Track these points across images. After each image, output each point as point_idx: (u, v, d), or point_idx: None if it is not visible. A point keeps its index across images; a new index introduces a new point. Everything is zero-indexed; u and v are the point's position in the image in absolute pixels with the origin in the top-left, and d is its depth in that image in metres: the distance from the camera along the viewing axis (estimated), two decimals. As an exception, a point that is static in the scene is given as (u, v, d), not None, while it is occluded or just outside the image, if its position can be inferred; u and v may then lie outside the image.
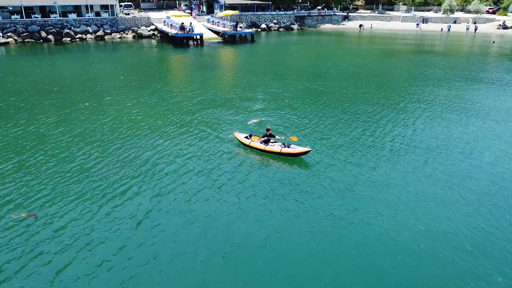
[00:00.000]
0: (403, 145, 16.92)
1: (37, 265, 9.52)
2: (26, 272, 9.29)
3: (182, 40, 47.44)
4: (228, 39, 51.28)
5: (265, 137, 15.87)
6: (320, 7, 75.79)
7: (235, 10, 58.99)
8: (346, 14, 75.27)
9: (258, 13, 66.32)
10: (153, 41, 51.93)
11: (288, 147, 15.54)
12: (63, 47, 45.60)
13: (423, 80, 29.94)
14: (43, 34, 49.72)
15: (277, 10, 69.11)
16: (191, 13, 61.53)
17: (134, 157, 15.41)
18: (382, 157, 15.71)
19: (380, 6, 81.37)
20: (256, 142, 15.88)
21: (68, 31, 50.95)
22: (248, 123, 19.45)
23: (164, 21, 53.89)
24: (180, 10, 67.77)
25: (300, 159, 15.26)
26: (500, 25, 66.05)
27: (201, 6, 69.30)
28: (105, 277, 9.20)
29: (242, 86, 27.39)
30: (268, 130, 15.88)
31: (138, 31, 54.83)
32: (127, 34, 54.45)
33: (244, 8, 64.43)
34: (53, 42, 49.27)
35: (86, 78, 29.40)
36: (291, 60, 40.56)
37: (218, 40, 51.52)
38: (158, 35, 55.23)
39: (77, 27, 52.27)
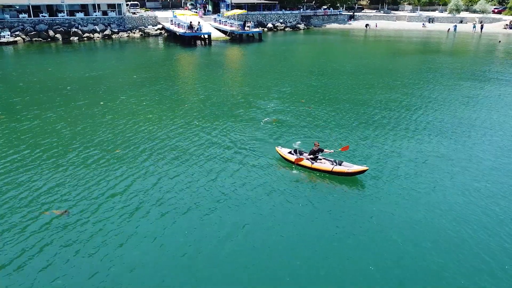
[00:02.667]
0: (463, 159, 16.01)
1: (73, 262, 9.52)
2: (62, 270, 9.29)
3: (190, 40, 47.42)
4: (236, 38, 51.26)
5: (313, 153, 14.21)
6: (326, 7, 75.68)
7: (243, 9, 58.92)
8: (352, 13, 75.16)
9: (264, 12, 66.28)
10: (160, 40, 51.96)
11: (340, 164, 13.77)
12: (71, 46, 45.65)
13: (437, 79, 29.88)
14: (51, 33, 49.77)
15: (283, 10, 69.04)
16: (197, 12, 61.50)
17: (160, 158, 15.42)
18: (446, 177, 13.87)
19: (385, 6, 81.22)
20: (302, 158, 14.19)
21: (76, 30, 50.96)
22: (262, 122, 19.42)
23: (171, 20, 53.91)
24: (186, 9, 67.73)
25: (354, 177, 13.59)
26: (507, 25, 65.86)
27: (207, 5, 69.24)
28: (142, 274, 9.20)
29: (256, 85, 27.37)
30: (316, 145, 14.24)
31: (145, 30, 54.89)
32: (134, 33, 54.48)
33: (250, 7, 64.37)
34: (61, 41, 49.29)
35: (97, 76, 29.44)
36: (300, 60, 40.52)
37: (226, 39, 51.52)
38: (165, 34, 55.29)
39: (85, 26, 52.30)
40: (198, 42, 49.02)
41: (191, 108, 21.85)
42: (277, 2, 68.23)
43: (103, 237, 10.42)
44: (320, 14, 72.34)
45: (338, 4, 76.72)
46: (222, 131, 18.21)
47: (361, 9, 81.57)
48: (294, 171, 14.21)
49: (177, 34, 49.61)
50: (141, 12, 61.11)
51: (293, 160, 14.26)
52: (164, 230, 10.78)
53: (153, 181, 13.42)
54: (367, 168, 13.35)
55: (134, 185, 13.12)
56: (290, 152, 14.82)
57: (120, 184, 13.18)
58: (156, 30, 55.61)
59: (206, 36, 48.55)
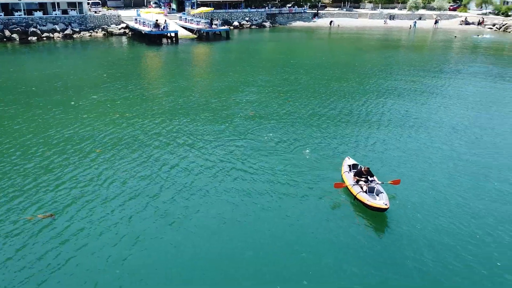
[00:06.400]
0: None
1: (59, 265, 9.09)
2: (48, 275, 8.85)
3: (157, 38, 46.49)
4: (203, 37, 50.78)
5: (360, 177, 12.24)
6: (290, 5, 76.41)
7: (209, 7, 58.42)
8: (316, 11, 76.29)
9: (230, 10, 66.05)
10: (125, 39, 50.60)
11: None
12: (30, 47, 43.61)
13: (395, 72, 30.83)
14: (7, 33, 47.24)
15: (249, 8, 69.08)
16: (163, 11, 60.41)
17: (143, 155, 15.01)
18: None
19: (347, 4, 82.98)
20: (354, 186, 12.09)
21: (34, 29, 48.67)
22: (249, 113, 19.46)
23: (136, 19, 52.62)
24: (150, 7, 66.36)
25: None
26: (462, 21, 68.93)
27: (171, 4, 68.15)
28: (126, 276, 8.91)
29: (228, 81, 27.22)
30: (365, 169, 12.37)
31: (108, 29, 53.26)
32: (97, 32, 52.72)
33: (216, 5, 63.93)
34: (18, 41, 46.94)
35: (64, 76, 28.29)
36: (269, 56, 40.68)
37: (193, 38, 50.95)
38: (130, 33, 53.91)
39: (44, 25, 50.08)
40: (165, 40, 48.18)
41: (166, 106, 21.44)
42: (242, 0, 68.16)
43: (89, 239, 10.05)
44: (285, 12, 72.93)
45: (302, 2, 77.66)
46: (200, 127, 18.00)
47: (324, 7, 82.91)
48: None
49: (143, 32, 48.50)
50: (103, 10, 59.25)
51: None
52: (147, 230, 10.53)
53: (135, 180, 13.06)
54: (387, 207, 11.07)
55: (117, 185, 12.72)
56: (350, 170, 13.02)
57: (104, 184, 12.75)
58: (120, 29, 54.07)
59: (173, 34, 47.77)
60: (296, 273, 9.06)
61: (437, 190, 12.54)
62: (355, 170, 12.72)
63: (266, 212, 11.35)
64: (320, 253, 9.70)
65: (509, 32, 60.53)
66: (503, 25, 62.82)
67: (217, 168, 13.87)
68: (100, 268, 9.02)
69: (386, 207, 10.93)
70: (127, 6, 69.91)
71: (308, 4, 79.01)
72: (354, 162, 13.50)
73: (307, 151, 15.41)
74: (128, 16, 56.08)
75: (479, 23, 67.07)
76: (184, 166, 14.03)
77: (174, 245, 9.89)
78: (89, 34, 51.70)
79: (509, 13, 67.62)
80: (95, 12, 56.47)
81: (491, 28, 64.05)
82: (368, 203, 11.20)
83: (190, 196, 12.09)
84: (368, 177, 12.18)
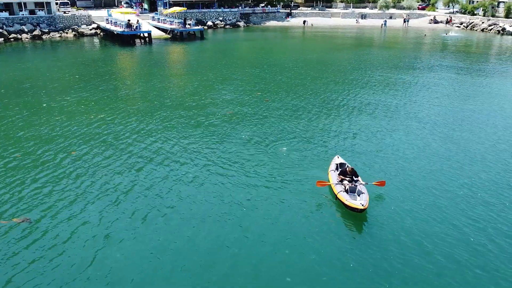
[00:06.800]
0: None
1: (36, 270, 8.80)
2: (25, 280, 8.56)
3: (130, 38, 45.74)
4: (177, 37, 50.30)
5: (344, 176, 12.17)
6: (263, 5, 76.68)
7: (182, 7, 57.90)
8: (289, 11, 76.84)
9: (203, 10, 65.71)
10: (96, 40, 49.53)
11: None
12: (-3, 48, 42.09)
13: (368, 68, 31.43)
14: (-29, 34, 45.53)
15: (222, 8, 68.89)
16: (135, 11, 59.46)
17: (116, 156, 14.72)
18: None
19: (320, 4, 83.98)
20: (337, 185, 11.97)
21: (1, 30, 47.03)
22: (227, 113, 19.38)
23: (107, 19, 51.60)
24: (121, 7, 65.21)
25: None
26: (431, 19, 70.90)
27: (143, 4, 67.22)
28: (103, 279, 8.73)
29: (204, 81, 27.04)
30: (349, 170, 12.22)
31: (79, 30, 52.01)
32: (67, 33, 51.38)
33: (189, 5, 63.45)
34: (-17, 43, 45.25)
35: (34, 78, 27.44)
36: (244, 55, 40.67)
37: (167, 38, 50.39)
38: (101, 33, 52.82)
39: (10, 26, 48.46)
40: (138, 41, 47.45)
41: (141, 106, 21.11)
42: (215, 0, 67.94)
43: (66, 242, 9.78)
44: (258, 12, 73.11)
45: (275, 2, 78.08)
46: (176, 127, 17.80)
47: (297, 6, 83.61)
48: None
49: (115, 33, 47.61)
50: (73, 11, 57.83)
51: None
52: (124, 232, 10.35)
53: (111, 182, 12.80)
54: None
55: (93, 187, 12.42)
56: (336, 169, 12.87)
57: (80, 186, 12.43)
58: (91, 29, 52.89)
59: (146, 34, 47.12)
60: (278, 271, 9.06)
61: (422, 192, 12.39)
62: (341, 169, 12.61)
63: (247, 211, 11.30)
64: (302, 251, 9.69)
65: (476, 30, 62.62)
66: (470, 24, 64.94)
67: (194, 169, 13.75)
68: (76, 271, 8.78)
69: (362, 207, 10.75)
70: (97, 6, 68.56)
71: (281, 3, 79.53)
72: (342, 161, 13.26)
73: (284, 149, 15.44)
74: (99, 16, 54.97)
75: (447, 22, 69.14)
76: (160, 167, 13.83)
77: (152, 247, 9.71)
78: (59, 35, 50.35)
79: (475, 12, 69.97)
80: (64, 12, 55.07)
81: (459, 27, 66.11)
82: (346, 202, 11.10)
83: (166, 197, 11.91)
84: (353, 177, 12.05)
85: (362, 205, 10.81)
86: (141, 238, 10.04)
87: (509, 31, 56.84)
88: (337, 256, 9.54)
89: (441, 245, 9.91)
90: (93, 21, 54.12)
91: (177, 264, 9.18)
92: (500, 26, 59.27)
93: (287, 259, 9.43)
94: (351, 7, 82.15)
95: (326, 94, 23.65)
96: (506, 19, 61.84)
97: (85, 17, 54.16)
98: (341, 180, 12.08)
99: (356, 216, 10.99)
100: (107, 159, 14.36)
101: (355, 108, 20.89)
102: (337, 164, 13.11)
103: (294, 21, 73.23)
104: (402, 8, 79.04)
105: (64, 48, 42.78)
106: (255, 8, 73.88)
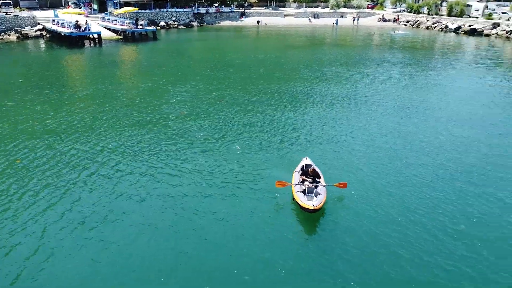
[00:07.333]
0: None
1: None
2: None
3: (78, 40, 44.06)
4: (129, 37, 49.05)
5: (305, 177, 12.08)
6: (217, 4, 76.37)
7: (133, 7, 56.49)
8: (243, 11, 76.98)
9: (156, 10, 64.46)
10: (42, 42, 47.35)
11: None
12: None
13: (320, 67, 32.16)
14: None
15: (175, 8, 67.91)
16: (83, 11, 57.33)
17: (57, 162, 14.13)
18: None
19: (273, 3, 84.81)
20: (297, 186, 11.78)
21: None
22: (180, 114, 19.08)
23: (53, 20, 49.41)
24: (69, 7, 62.72)
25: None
26: (380, 18, 73.54)
27: (92, 4, 64.98)
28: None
29: (158, 82, 26.55)
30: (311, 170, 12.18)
31: (23, 32, 49.47)
32: (9, 35, 48.72)
33: (140, 5, 62.01)
34: None
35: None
36: (199, 55, 40.31)
37: (118, 39, 49.01)
38: (48, 35, 50.50)
39: None
40: (87, 42, 45.81)
41: (91, 110, 20.39)
42: (168, 0, 66.87)
43: (6, 256, 9.27)
44: (212, 12, 72.73)
45: (229, 2, 77.96)
46: (127, 130, 17.37)
47: (251, 6, 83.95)
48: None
49: (62, 34, 45.68)
50: (16, 12, 54.88)
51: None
52: (64, 241, 10.00)
53: (56, 189, 12.30)
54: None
55: (39, 196, 11.87)
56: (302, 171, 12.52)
57: (24, 195, 11.82)
58: (36, 31, 50.42)
59: (96, 35, 45.56)
60: (234, 271, 9.05)
61: (383, 194, 12.28)
62: (303, 170, 12.46)
63: (201, 214, 11.20)
64: (255, 251, 9.65)
65: (421, 28, 65.62)
66: (416, 22, 67.97)
67: (145, 172, 13.45)
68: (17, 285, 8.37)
69: (313, 208, 10.63)
70: (42, 6, 65.46)
71: (235, 3, 79.56)
72: (309, 162, 13.01)
73: (239, 148, 15.44)
74: (45, 17, 52.51)
75: (395, 20, 71.98)
76: (107, 171, 13.41)
77: (94, 256, 9.39)
78: (0, 37, 47.65)
79: (420, 11, 73.28)
80: (6, 13, 52.18)
81: (406, 25, 69.02)
82: (300, 203, 10.97)
83: (112, 203, 11.53)
84: (316, 178, 11.93)
85: (313, 205, 10.71)
86: (86, 247, 9.69)
87: (451, 28, 59.99)
88: (290, 256, 9.55)
89: (391, 245, 10.27)
90: (38, 22, 51.67)
91: (120, 272, 8.95)
92: (443, 24, 62.46)
93: (237, 261, 9.42)
94: (304, 6, 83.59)
95: (280, 93, 23.91)
96: (448, 17, 65.24)
97: (29, 18, 51.60)
98: (303, 181, 11.93)
99: (310, 217, 10.94)
100: (53, 166, 13.76)
101: (308, 106, 21.28)
102: (303, 165, 12.87)
103: (248, 21, 73.48)
104: (353, 7, 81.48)
105: (6, 51, 40.53)
106: (209, 8, 73.45)
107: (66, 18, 47.48)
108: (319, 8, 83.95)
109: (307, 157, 13.60)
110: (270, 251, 9.67)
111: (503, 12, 59.29)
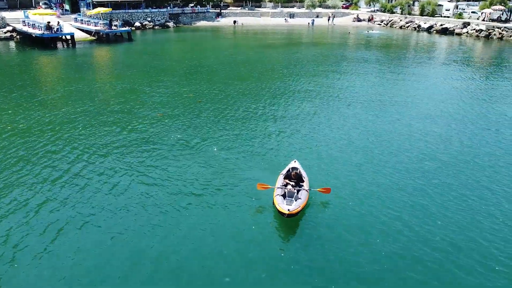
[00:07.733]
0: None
1: None
2: None
3: (50, 41, 42.94)
4: (103, 39, 48.15)
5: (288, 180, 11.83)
6: (192, 4, 75.88)
7: (107, 7, 55.47)
8: (219, 11, 76.76)
9: (130, 11, 63.53)
10: (12, 44, 45.92)
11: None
12: None
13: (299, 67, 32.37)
14: None
15: (150, 8, 67.11)
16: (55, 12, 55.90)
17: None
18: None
19: (250, 4, 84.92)
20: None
21: None
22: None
23: (24, 21, 48.03)
24: (39, 8, 61.07)
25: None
26: (355, 18, 74.65)
27: (63, 4, 63.46)
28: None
29: (135, 84, 26.12)
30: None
31: (-9, 33, 47.88)
32: (-23, 37, 47.10)
33: (114, 5, 60.99)
34: None
35: None
36: (175, 56, 39.98)
37: (92, 40, 48.04)
38: (18, 36, 49.04)
39: None
40: (60, 44, 44.70)
41: (64, 113, 19.85)
42: (142, 0, 66.01)
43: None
44: (188, 12, 72.27)
45: (204, 2, 77.57)
46: (102, 133, 17.01)
47: (227, 6, 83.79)
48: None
49: (33, 36, 44.44)
50: (-17, 13, 53.05)
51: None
52: (40, 246, 9.72)
53: (27, 196, 11.91)
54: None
55: (4, 203, 11.48)
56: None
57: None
58: (5, 32, 48.86)
59: (68, 37, 44.52)
60: (214, 273, 8.98)
61: (366, 201, 11.98)
62: (287, 173, 12.17)
63: (181, 217, 11.05)
64: (239, 252, 9.60)
65: (395, 27, 66.93)
66: (390, 21, 69.29)
67: (120, 175, 13.19)
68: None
69: (287, 212, 10.35)
70: (11, 7, 63.54)
71: (211, 3, 79.23)
72: (297, 165, 12.63)
73: (215, 149, 15.33)
74: (14, 18, 50.98)
75: (369, 20, 73.22)
76: (82, 177, 13.06)
77: (69, 260, 9.15)
78: (-33, 40, 46.00)
79: (394, 10, 74.70)
80: (-27, 15, 50.42)
81: (380, 24, 70.28)
82: (277, 206, 10.71)
83: (84, 208, 11.23)
84: (299, 182, 11.71)
85: (289, 210, 10.43)
86: (56, 253, 9.42)
87: (424, 28, 61.41)
88: (270, 257, 9.51)
89: (372, 244, 10.40)
90: (8, 24, 50.12)
91: (95, 279, 8.76)
92: (416, 24, 63.91)
93: (218, 262, 9.36)
94: (280, 6, 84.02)
95: (259, 92, 23.92)
96: (421, 16, 66.75)
97: (-2, 19, 49.96)
98: (286, 184, 11.67)
99: (287, 221, 10.72)
100: (20, 171, 13.32)
101: (288, 105, 21.36)
102: (290, 168, 12.47)
103: (224, 21, 73.34)
104: (328, 7, 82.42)
105: (-26, 54, 39.13)
106: (185, 8, 72.94)
107: (37, 19, 46.19)
108: (295, 8, 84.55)
109: (295, 160, 13.24)
110: (251, 253, 9.65)
111: (472, 12, 61.14)
